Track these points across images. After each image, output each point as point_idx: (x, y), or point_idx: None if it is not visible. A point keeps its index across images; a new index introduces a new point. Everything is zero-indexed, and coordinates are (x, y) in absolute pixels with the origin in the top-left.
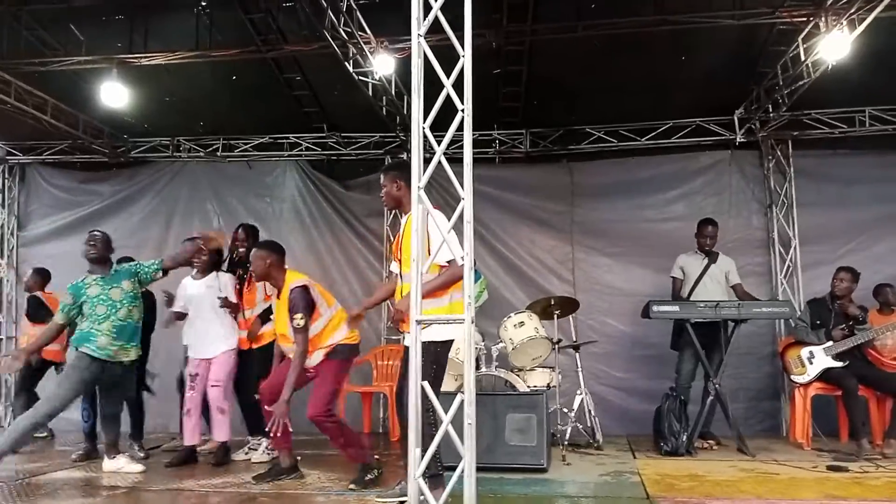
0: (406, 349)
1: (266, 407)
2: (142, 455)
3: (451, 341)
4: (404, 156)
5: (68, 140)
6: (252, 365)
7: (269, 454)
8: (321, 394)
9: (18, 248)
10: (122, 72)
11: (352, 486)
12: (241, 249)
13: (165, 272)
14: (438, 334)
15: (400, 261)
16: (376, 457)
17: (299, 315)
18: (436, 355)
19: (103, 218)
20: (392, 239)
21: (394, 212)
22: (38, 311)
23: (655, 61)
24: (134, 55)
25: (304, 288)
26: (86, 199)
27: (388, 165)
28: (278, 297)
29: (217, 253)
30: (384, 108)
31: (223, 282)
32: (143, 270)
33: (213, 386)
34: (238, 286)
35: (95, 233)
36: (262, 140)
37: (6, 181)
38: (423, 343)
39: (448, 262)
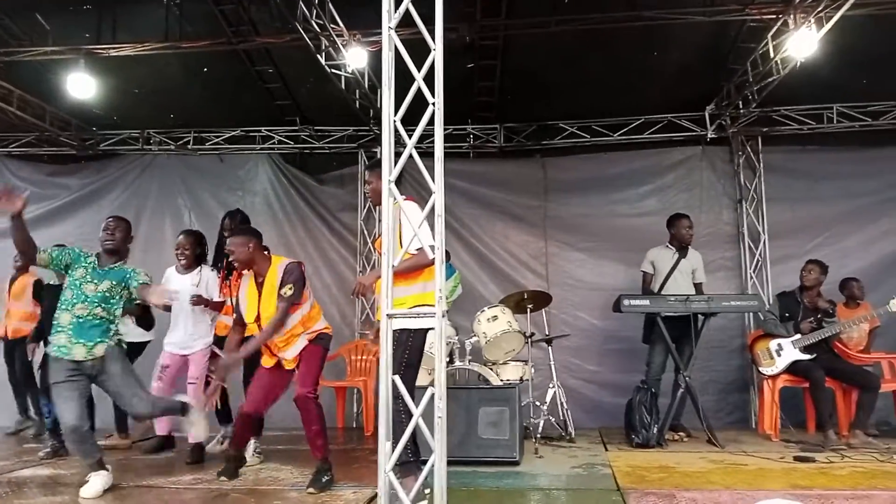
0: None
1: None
2: (127, 443)
3: (426, 330)
4: (378, 150)
5: (35, 132)
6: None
7: (258, 457)
8: (310, 374)
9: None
10: (89, 63)
11: (311, 489)
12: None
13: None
14: (414, 322)
15: (380, 252)
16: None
17: (289, 286)
18: (408, 343)
19: (71, 211)
20: (367, 233)
21: (367, 207)
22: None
23: (628, 57)
24: (102, 46)
25: (300, 264)
26: (54, 193)
27: (374, 162)
28: (259, 281)
29: (200, 245)
30: (357, 102)
31: (206, 278)
32: (132, 280)
33: (189, 384)
34: (227, 276)
35: (110, 220)
36: (233, 133)
37: None
38: (396, 330)
39: (417, 249)
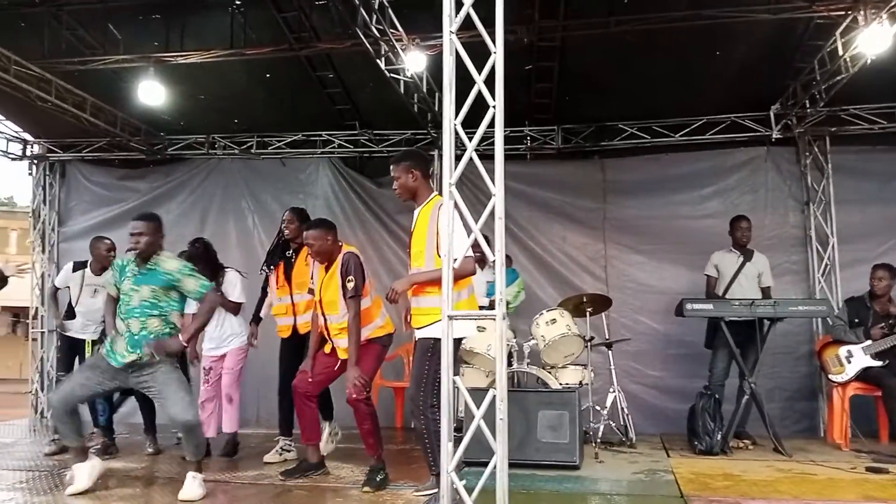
0: (415, 344)
1: (300, 398)
2: (150, 451)
3: (459, 339)
4: (435, 153)
5: (107, 137)
6: (301, 354)
7: (280, 453)
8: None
9: (59, 244)
10: (158, 70)
11: (366, 488)
12: (287, 232)
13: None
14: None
15: (410, 254)
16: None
17: (350, 278)
18: (440, 351)
19: None
20: None
21: None
22: None
23: (689, 56)
24: (170, 54)
25: (355, 255)
26: (124, 196)
27: (400, 155)
28: (327, 270)
29: (208, 252)
30: (415, 105)
31: (227, 280)
32: (189, 290)
33: (224, 374)
34: (286, 268)
35: (136, 223)
36: (295, 137)
37: (47, 178)
38: (428, 339)
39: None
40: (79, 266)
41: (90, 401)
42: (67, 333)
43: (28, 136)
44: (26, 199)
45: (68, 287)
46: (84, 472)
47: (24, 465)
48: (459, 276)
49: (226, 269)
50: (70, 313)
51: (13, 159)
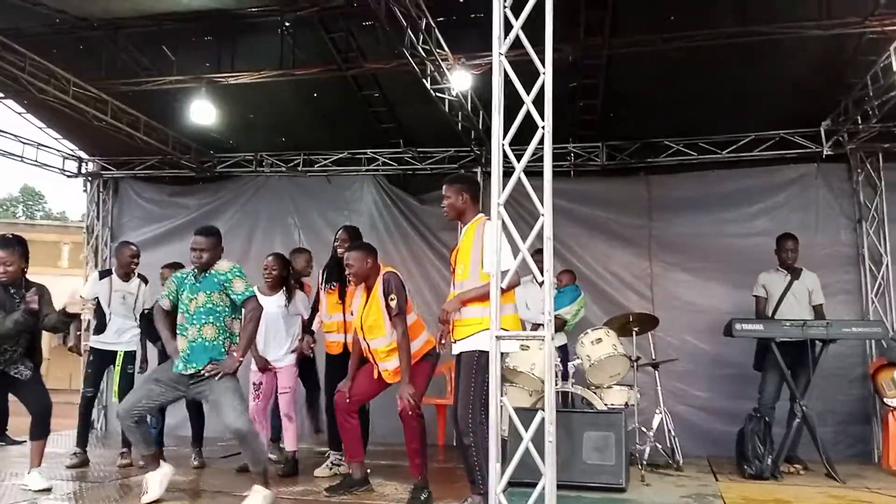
0: (457, 358)
1: (341, 416)
2: (196, 464)
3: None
4: (478, 170)
5: (158, 155)
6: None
7: (330, 467)
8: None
9: (111, 259)
10: (209, 90)
11: None
12: (340, 251)
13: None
14: (486, 343)
15: (454, 270)
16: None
17: (392, 296)
18: (485, 365)
19: (190, 230)
20: None
21: None
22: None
23: (736, 72)
24: (222, 74)
25: (395, 273)
26: (174, 212)
27: (453, 177)
28: (368, 293)
29: (285, 268)
30: (459, 123)
31: (295, 299)
32: (236, 291)
33: (282, 393)
34: (341, 287)
35: (198, 239)
36: (341, 155)
37: (101, 195)
38: (472, 353)
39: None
40: (104, 274)
41: (151, 413)
42: (98, 346)
43: (83, 154)
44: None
45: (97, 298)
46: (156, 482)
47: (75, 475)
48: (506, 290)
49: (296, 289)
50: (100, 326)
51: (69, 176)
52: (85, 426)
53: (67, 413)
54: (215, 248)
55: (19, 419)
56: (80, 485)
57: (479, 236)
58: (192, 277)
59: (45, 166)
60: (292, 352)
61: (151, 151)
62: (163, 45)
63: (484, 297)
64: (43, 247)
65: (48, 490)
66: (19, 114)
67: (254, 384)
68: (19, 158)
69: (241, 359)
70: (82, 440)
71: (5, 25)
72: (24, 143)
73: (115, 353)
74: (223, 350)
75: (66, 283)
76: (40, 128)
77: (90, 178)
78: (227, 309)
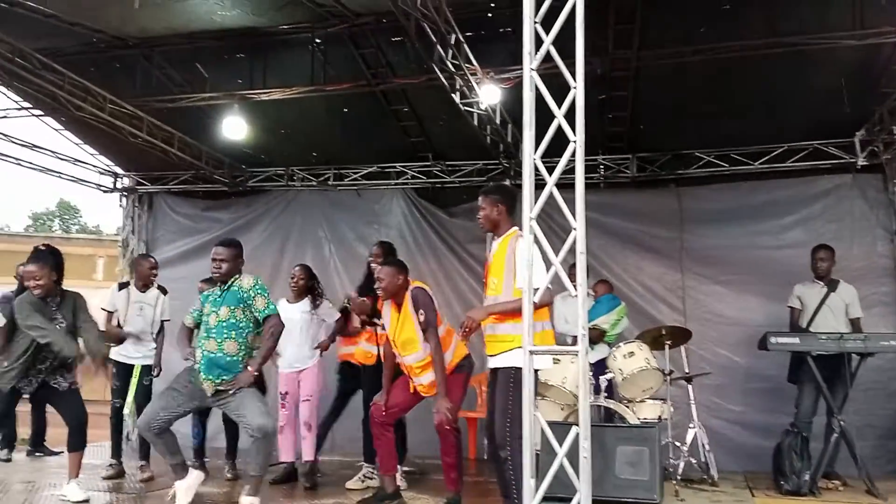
0: (492, 373)
1: (377, 428)
2: (229, 476)
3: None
4: (507, 182)
5: (192, 170)
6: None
7: (363, 480)
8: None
9: None
10: (242, 106)
11: None
12: (374, 265)
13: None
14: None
15: (486, 284)
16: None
17: (421, 311)
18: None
19: None
20: None
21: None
22: None
23: (767, 82)
24: (254, 91)
25: (423, 288)
26: (207, 226)
27: (489, 188)
28: (399, 310)
29: (311, 279)
30: (488, 137)
31: (321, 307)
32: (257, 308)
33: (304, 401)
34: (373, 300)
35: (218, 249)
36: (370, 169)
37: (136, 209)
38: (509, 369)
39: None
40: (123, 286)
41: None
42: (118, 358)
43: (119, 170)
44: (112, 227)
45: (116, 310)
46: (183, 490)
47: (111, 486)
48: (538, 307)
49: (323, 298)
50: (120, 338)
51: (105, 192)
52: (118, 437)
53: (103, 424)
54: (235, 259)
55: (57, 430)
56: (115, 496)
57: (513, 251)
58: (217, 293)
59: (82, 182)
60: (316, 356)
61: (185, 167)
62: (196, 63)
63: (515, 312)
64: (78, 260)
65: (86, 501)
66: (57, 130)
67: (280, 393)
68: (58, 174)
69: (255, 373)
70: (117, 451)
71: (46, 45)
72: (62, 160)
73: (132, 366)
74: (241, 366)
75: (101, 295)
76: (77, 144)
77: (126, 193)
78: (249, 325)
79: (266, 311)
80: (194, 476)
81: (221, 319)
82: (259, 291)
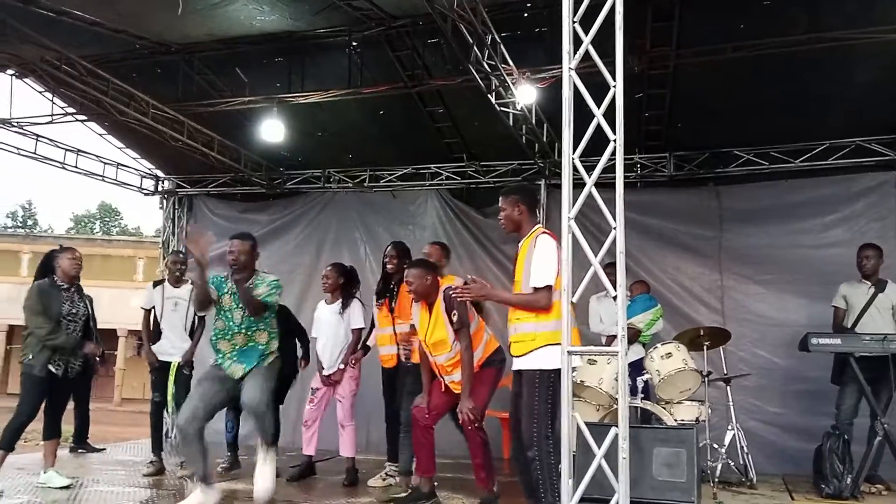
0: (517, 374)
1: (420, 431)
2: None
3: (558, 370)
4: (542, 182)
5: (231, 173)
6: (403, 380)
7: (384, 478)
8: (476, 401)
9: (185, 273)
10: (280, 109)
11: None
12: (388, 266)
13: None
14: (552, 361)
15: (514, 283)
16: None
17: (454, 312)
18: (552, 384)
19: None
20: None
21: None
22: None
23: (807, 79)
24: (292, 94)
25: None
26: (246, 228)
27: (508, 189)
28: (430, 311)
29: (342, 276)
30: (523, 137)
31: (350, 308)
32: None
33: (339, 401)
34: (389, 300)
35: (234, 241)
36: (405, 171)
37: (176, 211)
38: (533, 371)
39: (535, 287)
40: (158, 283)
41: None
42: (157, 354)
43: (160, 173)
44: (151, 229)
45: (153, 307)
46: (195, 499)
47: (151, 482)
48: (529, 306)
49: (354, 299)
50: (157, 334)
51: (146, 194)
52: (158, 434)
53: (142, 422)
54: (249, 252)
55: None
56: (156, 492)
57: (533, 249)
58: (233, 285)
59: (124, 185)
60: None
61: (224, 169)
62: (236, 68)
63: (523, 306)
64: (119, 261)
65: (67, 487)
66: (100, 135)
67: (312, 388)
68: (101, 178)
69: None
70: (157, 447)
71: (90, 52)
72: (105, 164)
73: (169, 363)
74: (266, 354)
75: (141, 295)
76: (120, 148)
77: (166, 196)
78: (272, 313)
79: (264, 298)
80: (211, 496)
81: (248, 315)
82: (268, 283)
